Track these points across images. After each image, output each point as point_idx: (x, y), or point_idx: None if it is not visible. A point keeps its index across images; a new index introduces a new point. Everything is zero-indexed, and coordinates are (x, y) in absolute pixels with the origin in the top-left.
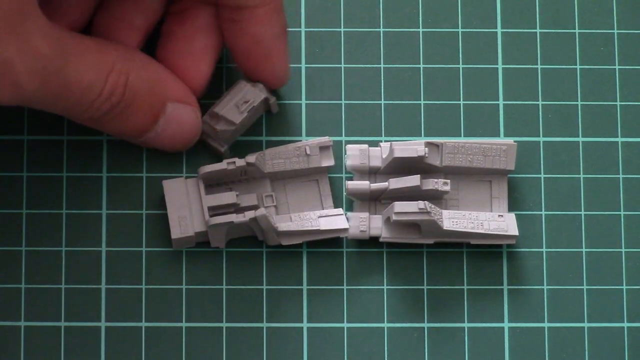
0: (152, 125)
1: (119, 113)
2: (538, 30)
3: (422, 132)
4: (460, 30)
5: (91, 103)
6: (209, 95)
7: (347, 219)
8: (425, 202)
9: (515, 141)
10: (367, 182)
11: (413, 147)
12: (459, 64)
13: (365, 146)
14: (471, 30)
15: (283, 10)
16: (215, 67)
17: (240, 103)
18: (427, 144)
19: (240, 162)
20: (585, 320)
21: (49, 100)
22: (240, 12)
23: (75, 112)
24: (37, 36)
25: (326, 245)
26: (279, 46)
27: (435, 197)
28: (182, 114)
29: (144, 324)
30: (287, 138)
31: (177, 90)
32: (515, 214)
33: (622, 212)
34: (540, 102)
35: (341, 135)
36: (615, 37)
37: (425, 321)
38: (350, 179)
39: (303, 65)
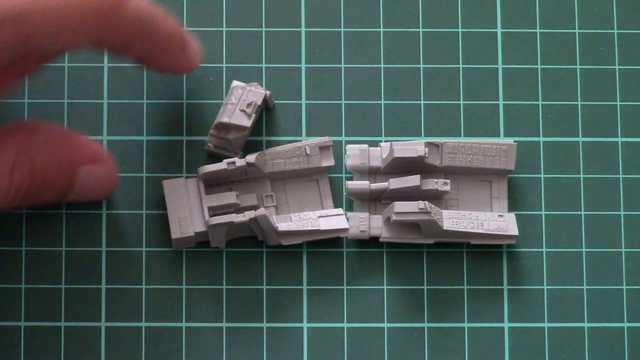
0: (68, 193)
1: (32, 196)
2: (538, 30)
3: (422, 132)
4: (460, 30)
5: (2, 202)
6: (210, 96)
7: (347, 219)
8: (425, 202)
9: (515, 141)
10: (367, 182)
11: (413, 147)
12: (459, 64)
13: (365, 146)
14: (471, 30)
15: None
16: (211, 68)
17: (244, 107)
18: (427, 144)
19: (240, 162)
20: (585, 320)
21: None
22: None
23: None
24: None
25: (326, 245)
26: (175, 46)
27: (435, 197)
28: (96, 174)
29: (144, 324)
30: (287, 138)
31: (85, 152)
32: (515, 214)
33: (622, 212)
34: (540, 102)
35: (341, 135)
36: (615, 37)
37: (425, 321)
38: (350, 179)
39: (303, 65)
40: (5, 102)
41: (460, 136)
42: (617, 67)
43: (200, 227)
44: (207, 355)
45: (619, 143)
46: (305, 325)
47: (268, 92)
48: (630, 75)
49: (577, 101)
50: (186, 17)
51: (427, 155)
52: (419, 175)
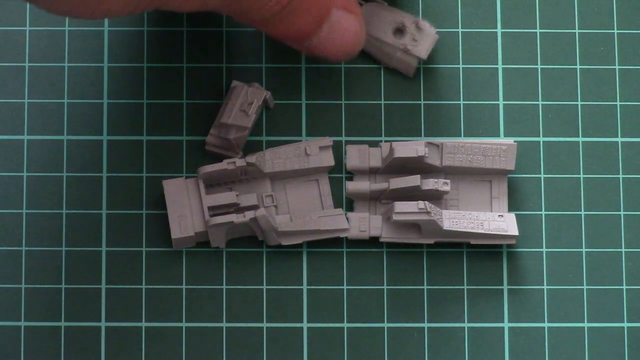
0: (316, 29)
1: (288, 14)
2: (538, 30)
3: (422, 132)
4: (460, 30)
5: (264, 4)
6: (210, 96)
7: (347, 219)
8: (425, 202)
9: (515, 141)
10: (367, 182)
11: (413, 147)
12: (459, 64)
13: (365, 146)
14: (471, 30)
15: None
16: (211, 68)
17: (245, 107)
18: (427, 144)
19: (240, 162)
20: (585, 320)
21: (229, 3)
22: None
23: (250, 13)
24: None
25: (326, 245)
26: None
27: (435, 197)
28: (346, 21)
29: (144, 324)
30: (287, 138)
31: None
32: (515, 214)
33: (622, 212)
34: (540, 102)
35: (341, 135)
36: (615, 37)
37: (425, 321)
38: (350, 179)
39: (303, 65)
40: (5, 102)
41: (460, 136)
42: (617, 67)
43: (200, 227)
44: (207, 355)
45: (619, 143)
46: (305, 325)
47: (268, 92)
48: (630, 75)
49: (577, 101)
50: (186, 17)
51: (427, 155)
52: (419, 175)
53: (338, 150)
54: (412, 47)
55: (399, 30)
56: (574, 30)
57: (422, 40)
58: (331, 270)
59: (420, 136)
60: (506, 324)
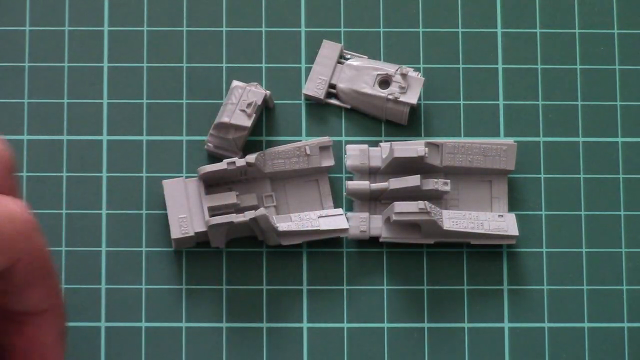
0: None
1: None
2: (538, 30)
3: (422, 132)
4: (460, 30)
5: None
6: (210, 96)
7: (347, 219)
8: (425, 202)
9: (515, 141)
10: (367, 182)
11: (413, 147)
12: (459, 64)
13: (365, 146)
14: (471, 30)
15: (64, 316)
16: (211, 68)
17: (244, 107)
18: (427, 144)
19: (240, 162)
20: (585, 320)
21: None
22: (22, 315)
23: None
24: None
25: (326, 245)
26: (55, 349)
27: (435, 197)
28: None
29: (144, 324)
30: (287, 138)
31: None
32: (515, 214)
33: (622, 212)
34: (540, 102)
35: (341, 135)
36: (615, 37)
37: (425, 321)
38: (350, 179)
39: (303, 65)
40: (5, 102)
41: (460, 136)
42: (617, 67)
43: (200, 227)
44: (207, 355)
45: (619, 143)
46: (305, 325)
47: (268, 92)
48: (630, 75)
49: (577, 101)
50: (186, 17)
51: (427, 155)
52: (419, 175)
53: (338, 150)
54: (402, 95)
55: (385, 82)
56: (574, 30)
57: (410, 86)
58: (331, 270)
59: (420, 136)
60: (506, 324)
